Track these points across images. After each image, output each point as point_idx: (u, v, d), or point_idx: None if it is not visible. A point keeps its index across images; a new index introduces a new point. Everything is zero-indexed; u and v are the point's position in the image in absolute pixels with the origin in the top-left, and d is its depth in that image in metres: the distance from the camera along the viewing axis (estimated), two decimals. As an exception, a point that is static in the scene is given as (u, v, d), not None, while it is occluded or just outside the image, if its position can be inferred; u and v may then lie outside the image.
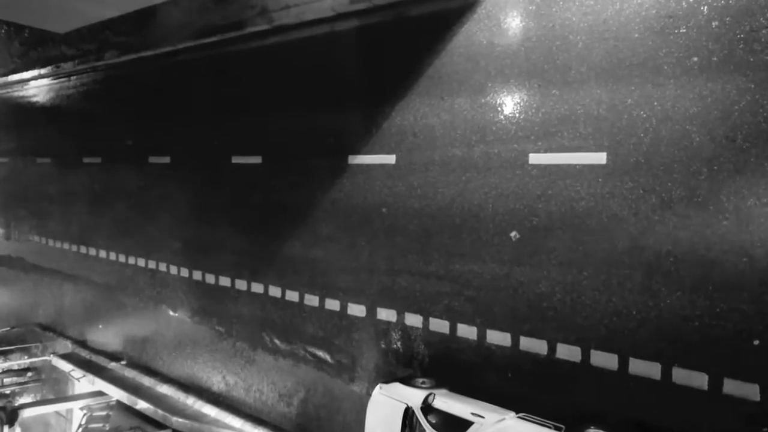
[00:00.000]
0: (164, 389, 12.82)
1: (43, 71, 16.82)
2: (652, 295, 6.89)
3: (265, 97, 11.36)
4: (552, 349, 7.59)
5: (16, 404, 16.15)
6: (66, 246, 16.30)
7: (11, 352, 17.77)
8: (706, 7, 6.65)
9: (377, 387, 8.51)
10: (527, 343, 7.80)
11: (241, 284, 11.54)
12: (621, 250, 7.07)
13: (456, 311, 8.51)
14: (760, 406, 6.24)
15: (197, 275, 12.46)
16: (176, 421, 11.86)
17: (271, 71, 11.32)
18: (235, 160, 11.79)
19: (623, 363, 7.03)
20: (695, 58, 6.68)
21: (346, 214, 9.87)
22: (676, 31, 6.81)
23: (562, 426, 6.89)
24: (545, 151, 7.71)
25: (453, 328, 8.52)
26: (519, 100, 8.00)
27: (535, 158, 7.79)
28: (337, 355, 9.95)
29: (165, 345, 13.25)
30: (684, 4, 6.78)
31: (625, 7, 7.16)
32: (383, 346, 9.31)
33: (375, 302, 9.44)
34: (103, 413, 14.06)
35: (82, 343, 15.58)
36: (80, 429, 13.96)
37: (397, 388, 8.32)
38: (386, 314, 9.28)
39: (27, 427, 16.75)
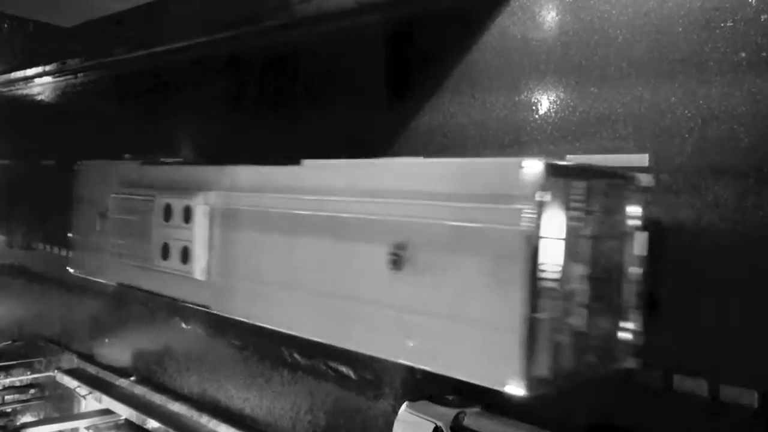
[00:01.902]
0: (176, 407, 13.26)
1: (48, 68, 17.52)
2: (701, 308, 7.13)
3: (283, 95, 11.81)
4: (591, 364, 7.84)
5: (18, 423, 16.80)
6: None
7: (13, 367, 18.22)
8: (754, -2, 6.92)
9: (404, 405, 8.81)
10: None
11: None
12: (665, 260, 7.32)
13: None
14: None
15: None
16: (189, 440, 12.36)
17: (289, 68, 11.79)
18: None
19: (667, 381, 7.27)
20: (743, 54, 6.94)
21: (371, 219, 10.20)
22: (722, 24, 7.07)
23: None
24: (583, 153, 8.00)
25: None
26: (555, 98, 8.32)
27: (573, 160, 8.08)
28: (361, 371, 10.31)
29: (177, 360, 13.73)
30: (731, -5, 7.06)
31: (668, -2, 7.46)
32: (410, 361, 9.63)
33: (402, 314, 9.75)
34: (111, 433, 14.57)
35: (89, 358, 16.14)
36: (86, 449, 14.49)
37: (425, 406, 8.63)
38: (414, 327, 9.59)
39: (29, 447, 17.36)
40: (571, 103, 8.17)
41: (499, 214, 6.09)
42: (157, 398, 13.75)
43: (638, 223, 7.28)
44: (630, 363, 7.21)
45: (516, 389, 6.01)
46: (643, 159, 7.52)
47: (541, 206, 5.97)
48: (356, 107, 10.64)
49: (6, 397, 17.78)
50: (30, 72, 18.42)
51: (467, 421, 8.18)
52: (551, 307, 6.13)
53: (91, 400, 15.10)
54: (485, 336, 6.21)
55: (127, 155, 12.64)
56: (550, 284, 6.11)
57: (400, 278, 6.94)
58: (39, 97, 18.68)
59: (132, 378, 14.73)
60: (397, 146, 9.96)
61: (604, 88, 7.88)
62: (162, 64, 14.70)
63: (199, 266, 9.62)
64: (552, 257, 6.16)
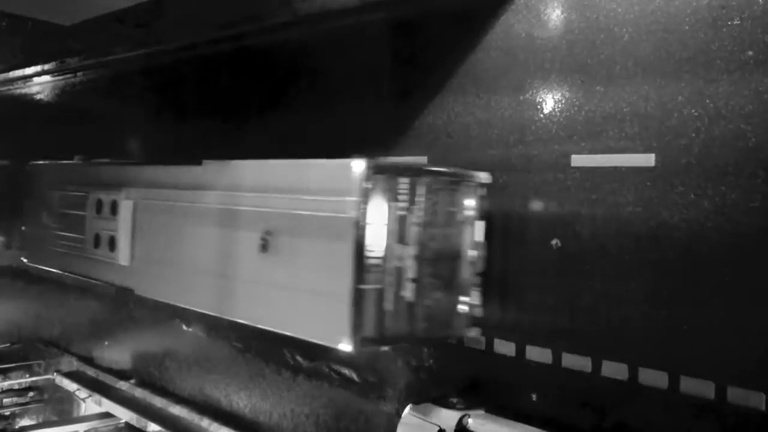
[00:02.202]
0: (177, 410, 13.33)
1: (47, 67, 17.63)
2: (705, 308, 7.18)
3: (286, 94, 11.88)
4: (597, 366, 7.92)
5: (17, 427, 16.90)
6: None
7: (11, 370, 18.43)
8: (761, -4, 6.97)
9: (407, 408, 8.89)
10: (570, 360, 8.14)
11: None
12: (671, 260, 7.39)
13: (493, 326, 8.89)
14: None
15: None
16: (190, 444, 12.44)
17: (291, 66, 11.87)
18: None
19: (674, 381, 7.33)
20: (750, 52, 6.99)
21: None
22: (729, 22, 7.13)
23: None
24: (589, 153, 8.07)
25: (489, 343, 8.88)
26: (560, 98, 8.38)
27: (577, 160, 8.16)
28: (364, 373, 10.38)
29: (178, 362, 13.82)
30: (738, -7, 7.11)
31: (674, -4, 7.52)
32: (414, 363, 9.71)
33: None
34: (111, 436, 14.65)
35: (89, 361, 16.23)
36: (86, 453, 14.58)
37: (429, 408, 8.69)
38: (417, 329, 9.68)
39: (28, 451, 17.45)
40: (577, 103, 8.23)
41: (335, 205, 7.82)
42: (158, 401, 13.82)
43: (474, 213, 8.81)
44: (472, 332, 8.92)
45: (345, 346, 7.68)
46: (649, 159, 7.58)
47: (365, 198, 7.62)
48: (358, 106, 10.73)
49: (4, 400, 17.95)
50: (29, 71, 18.54)
51: (471, 424, 8.22)
52: (376, 280, 7.79)
53: (90, 403, 15.20)
54: (326, 304, 7.86)
55: (77, 156, 14.29)
56: (375, 262, 7.76)
57: (266, 259, 8.76)
58: (37, 96, 18.82)
59: (132, 381, 14.81)
60: (400, 146, 10.03)
61: (610, 87, 7.94)
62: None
63: (123, 253, 11.58)
64: (377, 240, 7.79)
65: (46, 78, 18.45)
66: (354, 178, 7.63)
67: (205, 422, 12.68)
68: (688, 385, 7.23)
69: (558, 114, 8.38)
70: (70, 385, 15.73)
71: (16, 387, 18.21)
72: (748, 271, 6.92)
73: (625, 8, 7.87)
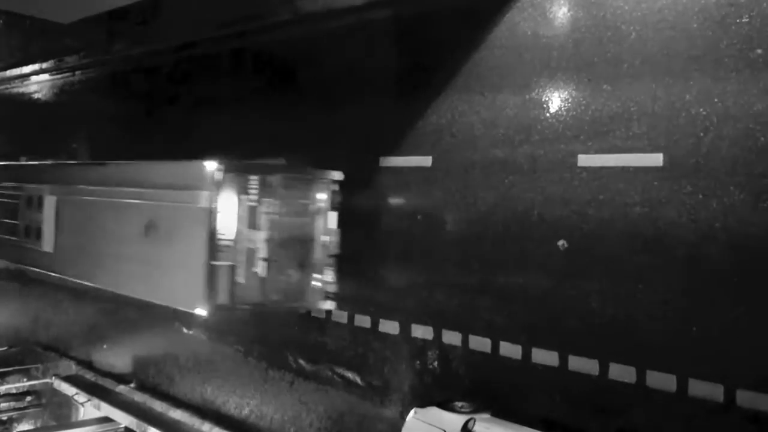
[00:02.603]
0: (177, 414, 13.41)
1: (44, 65, 17.73)
2: (713, 309, 7.25)
3: (287, 93, 11.96)
4: (604, 369, 7.98)
5: (14, 432, 16.99)
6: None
7: (8, 374, 18.49)
8: (771, -6, 7.03)
9: (412, 411, 8.96)
10: (576, 363, 8.21)
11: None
12: (679, 261, 7.45)
13: (499, 328, 8.96)
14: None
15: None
16: (191, 449, 12.53)
17: (292, 65, 11.94)
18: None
19: (682, 384, 7.39)
20: (759, 50, 7.05)
21: (377, 221, 10.41)
22: (738, 20, 7.19)
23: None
24: (596, 152, 8.13)
25: (495, 347, 8.97)
26: (567, 97, 8.44)
27: (584, 160, 8.22)
28: (368, 377, 10.46)
29: (178, 366, 13.90)
30: (747, -10, 7.17)
31: (682, -6, 7.58)
32: (418, 366, 9.79)
33: (409, 318, 9.95)
34: (111, 441, 14.70)
35: (87, 364, 16.33)
36: (85, 458, 14.64)
37: (434, 412, 8.76)
38: (422, 331, 9.78)
39: (26, 456, 17.58)
40: (584, 102, 8.29)
41: (194, 197, 9.85)
42: (158, 405, 13.91)
43: (326, 205, 10.70)
44: (327, 305, 10.84)
45: (201, 311, 9.72)
46: (657, 159, 7.64)
47: (217, 191, 9.68)
48: (360, 106, 10.84)
49: (1, 405, 18.02)
50: (26, 69, 18.66)
51: (477, 428, 8.28)
52: (228, 258, 9.81)
53: (89, 408, 15.27)
54: (189, 277, 9.87)
55: (22, 157, 16.59)
56: (226, 243, 9.79)
57: (147, 242, 10.88)
58: (35, 96, 18.92)
59: (132, 384, 14.90)
60: (403, 146, 10.11)
61: (617, 86, 8.00)
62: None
63: (47, 242, 13.73)
64: (228, 226, 9.83)
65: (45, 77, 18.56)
66: (207, 175, 9.73)
67: (206, 427, 12.76)
68: (698, 388, 7.30)
69: (564, 113, 8.44)
70: (68, 390, 15.80)
71: (14, 391, 18.23)
72: (758, 273, 6.98)
73: (632, 6, 7.93)
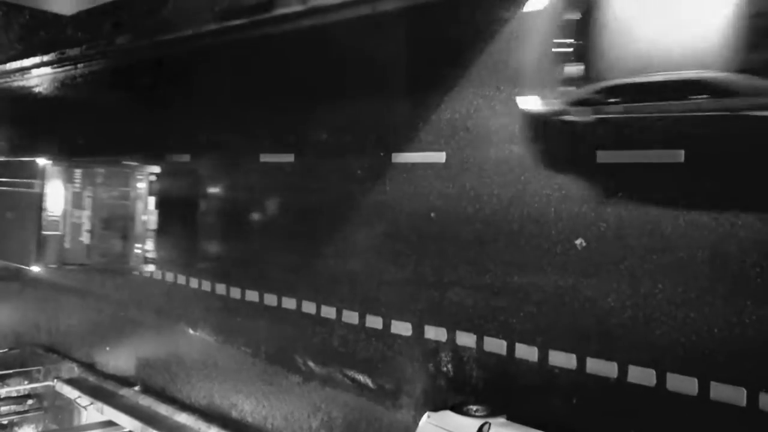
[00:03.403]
0: (183, 418, 13.60)
1: (45, 58, 17.95)
2: (736, 310, 7.35)
3: (298, 87, 12.10)
4: (623, 371, 8.10)
5: (15, 436, 17.18)
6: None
7: (9, 376, 18.62)
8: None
9: (425, 416, 9.07)
10: (595, 365, 8.33)
11: (270, 299, 12.34)
12: (700, 260, 7.55)
13: (514, 329, 9.09)
14: None
15: (221, 289, 13.28)
16: (197, 453, 12.72)
17: (303, 58, 12.08)
18: (264, 158, 12.57)
19: (704, 388, 7.50)
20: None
21: (390, 219, 10.57)
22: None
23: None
24: (614, 148, 8.23)
25: (511, 349, 9.10)
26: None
27: (602, 156, 8.32)
28: (380, 380, 10.60)
29: (184, 368, 14.06)
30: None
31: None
32: (431, 368, 9.93)
33: (422, 319, 10.09)
34: (114, 446, 14.89)
35: (90, 367, 16.54)
36: (88, 463, 14.83)
37: (448, 416, 8.89)
38: (435, 333, 9.92)
39: (27, 461, 17.79)
40: (602, 96, 8.37)
41: (32, 185, 14.25)
42: (163, 409, 14.07)
43: (145, 192, 14.90)
44: (148, 267, 14.96)
45: (35, 268, 14.48)
46: (678, 155, 7.74)
47: (45, 181, 14.10)
48: (372, 99, 10.99)
49: (2, 409, 18.17)
50: (27, 62, 18.88)
51: (492, 433, 8.41)
52: (56, 229, 14.17)
53: (92, 411, 15.40)
54: (28, 243, 14.25)
55: None
56: (54, 219, 14.11)
57: (10, 217, 15.06)
58: (36, 89, 19.15)
59: (136, 387, 15.06)
60: (416, 141, 10.25)
61: (637, 80, 8.08)
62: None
63: None
64: (56, 206, 14.18)
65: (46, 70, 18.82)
66: (39, 169, 14.21)
67: (212, 430, 12.91)
68: (719, 391, 7.42)
69: (582, 108, 8.52)
70: (70, 393, 15.98)
71: (15, 394, 18.41)
72: (781, 272, 7.09)
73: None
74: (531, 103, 8.56)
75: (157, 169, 14.84)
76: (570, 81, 7.83)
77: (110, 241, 14.67)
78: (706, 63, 6.67)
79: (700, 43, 6.75)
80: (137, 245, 14.81)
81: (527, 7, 9.06)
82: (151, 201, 14.96)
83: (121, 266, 15.05)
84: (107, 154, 15.65)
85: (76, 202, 14.26)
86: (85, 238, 14.43)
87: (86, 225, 14.40)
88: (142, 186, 14.87)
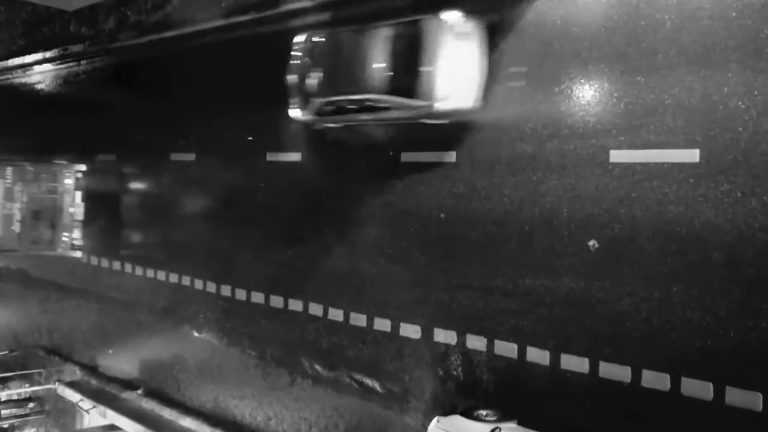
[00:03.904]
0: (187, 422, 13.70)
1: (48, 54, 18.11)
2: (753, 313, 7.40)
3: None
4: (637, 375, 8.16)
5: (16, 440, 17.34)
6: (74, 257, 17.52)
7: (10, 379, 18.82)
8: (814, -20, 7.24)
9: (434, 420, 9.14)
10: (608, 369, 8.39)
11: (276, 301, 12.45)
12: (716, 262, 7.61)
13: (525, 332, 9.16)
14: None
15: (225, 290, 13.40)
16: (201, 458, 12.83)
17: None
18: (270, 157, 12.67)
19: (719, 392, 7.55)
20: (801, 40, 7.27)
21: (398, 219, 10.66)
22: (779, 8, 7.40)
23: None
24: (628, 148, 8.31)
25: (522, 352, 9.16)
26: (598, 89, 8.62)
27: (616, 155, 8.40)
28: (388, 383, 10.69)
29: (188, 371, 14.18)
30: (789, -23, 7.38)
31: (720, -19, 7.79)
32: (441, 372, 10.01)
33: (431, 322, 10.17)
34: (117, 450, 15.01)
35: (93, 369, 16.66)
36: (90, 468, 14.96)
37: (457, 421, 8.94)
38: (444, 336, 10.00)
39: (28, 465, 17.94)
40: (616, 94, 8.46)
41: None
42: (167, 413, 14.18)
43: (72, 187, 17.32)
44: (76, 253, 17.18)
45: None
46: (693, 155, 7.79)
47: None
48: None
49: (3, 412, 18.30)
50: (29, 59, 19.06)
51: (503, 438, 8.48)
52: None
53: (94, 415, 15.55)
54: None
55: None
56: None
57: None
58: (38, 86, 19.32)
59: (139, 391, 15.16)
60: (424, 141, 10.35)
61: (652, 78, 8.16)
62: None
63: None
64: None
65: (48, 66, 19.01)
66: None
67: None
68: (734, 396, 7.47)
69: (595, 106, 8.62)
70: (72, 396, 16.13)
71: (15, 397, 18.58)
72: (799, 275, 7.15)
73: (667, -7, 8.16)
74: (296, 114, 11.23)
75: (83, 167, 17.45)
76: (312, 96, 10.80)
77: (40, 230, 17.89)
78: (372, 88, 9.89)
79: (369, 74, 9.92)
80: (65, 234, 17.58)
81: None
82: (78, 195, 17.53)
83: (50, 252, 17.93)
84: (44, 153, 18.67)
85: (8, 195, 18.00)
86: (17, 227, 18.03)
87: (17, 216, 17.99)
88: (69, 182, 17.63)
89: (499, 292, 9.44)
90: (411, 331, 10.38)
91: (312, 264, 11.84)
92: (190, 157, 14.52)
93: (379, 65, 9.87)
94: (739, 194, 7.48)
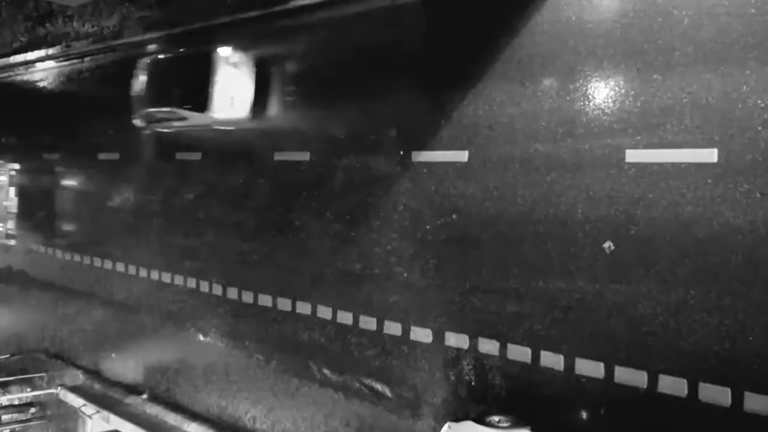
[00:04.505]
0: (192, 428, 13.76)
1: (51, 51, 18.28)
2: (772, 317, 7.47)
3: (312, 82, 12.30)
4: (653, 381, 8.23)
5: (17, 445, 17.44)
6: (76, 258, 17.63)
7: (11, 383, 18.82)
8: (835, -24, 7.31)
9: (445, 426, 9.21)
10: (624, 375, 8.46)
11: (284, 304, 12.54)
12: (734, 264, 7.67)
13: (539, 336, 9.23)
14: None
15: (232, 293, 13.49)
16: (207, 464, 12.93)
17: (318, 52, 12.28)
18: (278, 156, 12.78)
19: (737, 398, 7.61)
20: (822, 38, 7.34)
21: (409, 221, 10.72)
22: (799, 5, 7.47)
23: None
24: (645, 147, 8.37)
25: (535, 357, 9.24)
26: (614, 87, 8.69)
27: (632, 155, 8.47)
28: (398, 389, 10.76)
29: (193, 375, 14.27)
30: (809, -27, 7.46)
31: (739, -24, 7.86)
32: (452, 377, 10.08)
33: (443, 326, 10.25)
34: (120, 456, 15.07)
35: (96, 374, 16.75)
36: (93, 475, 15.05)
37: (469, 427, 9.02)
38: (456, 340, 10.07)
39: (29, 472, 18.06)
40: (632, 92, 8.54)
41: None
42: (172, 418, 14.25)
43: (6, 183, 20.30)
44: (9, 242, 20.35)
45: None
46: (711, 154, 7.85)
47: None
48: (389, 95, 11.13)
49: (4, 417, 18.31)
50: (31, 56, 19.22)
51: (516, 445, 8.56)
52: None
53: (98, 420, 15.58)
54: None
55: None
56: None
57: None
58: (41, 84, 19.47)
59: (143, 396, 15.25)
60: (436, 139, 10.41)
61: (669, 76, 8.24)
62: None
63: None
64: None
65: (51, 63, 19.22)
66: None
67: (221, 441, 13.12)
68: (753, 401, 7.53)
69: (611, 105, 8.69)
70: (75, 401, 16.18)
71: (17, 402, 18.57)
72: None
73: (684, -11, 8.24)
74: (137, 121, 14.38)
75: (16, 165, 20.24)
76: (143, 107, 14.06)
77: None
78: (174, 103, 13.28)
79: (173, 92, 13.46)
80: (1, 224, 20.62)
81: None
82: (12, 190, 20.43)
83: None
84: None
85: None
86: None
87: None
88: (3, 179, 20.55)
89: (512, 294, 9.50)
90: (422, 335, 10.45)
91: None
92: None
93: (177, 85, 13.44)
94: (759, 195, 7.54)
